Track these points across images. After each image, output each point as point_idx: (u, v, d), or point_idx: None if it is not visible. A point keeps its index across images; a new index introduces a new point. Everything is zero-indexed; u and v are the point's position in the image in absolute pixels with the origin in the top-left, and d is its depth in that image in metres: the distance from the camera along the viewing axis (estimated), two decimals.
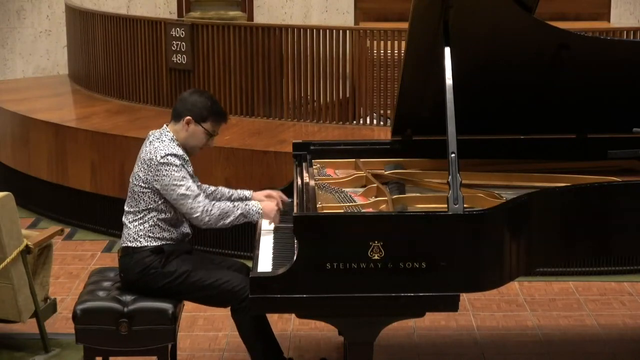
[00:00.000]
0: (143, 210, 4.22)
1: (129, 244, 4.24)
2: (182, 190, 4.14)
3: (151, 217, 4.21)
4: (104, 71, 8.01)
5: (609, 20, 9.49)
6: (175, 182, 4.14)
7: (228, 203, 4.26)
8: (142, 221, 4.22)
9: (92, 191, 6.90)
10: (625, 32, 6.86)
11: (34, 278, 4.89)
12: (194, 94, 4.30)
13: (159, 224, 4.22)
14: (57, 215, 7.19)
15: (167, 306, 4.18)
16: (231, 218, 4.21)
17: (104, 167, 6.81)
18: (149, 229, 4.21)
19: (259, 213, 4.26)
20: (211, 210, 4.18)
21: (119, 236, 6.67)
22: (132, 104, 7.75)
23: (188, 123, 4.23)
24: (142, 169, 4.20)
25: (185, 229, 4.32)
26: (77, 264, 6.29)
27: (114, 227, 6.81)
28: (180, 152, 4.19)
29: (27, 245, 4.76)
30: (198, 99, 4.27)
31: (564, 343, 5.11)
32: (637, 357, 4.99)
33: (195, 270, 4.20)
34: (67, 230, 6.84)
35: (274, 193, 4.45)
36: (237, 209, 4.22)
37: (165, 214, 4.22)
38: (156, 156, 4.16)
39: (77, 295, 4.51)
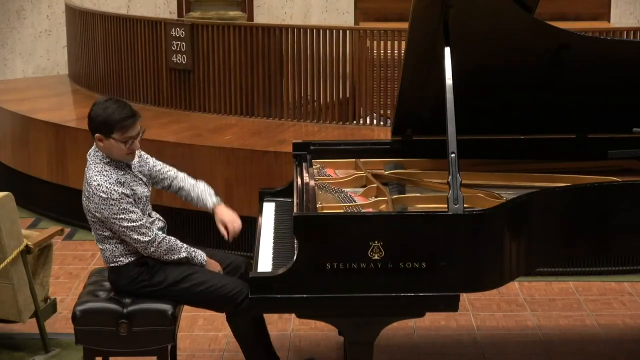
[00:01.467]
0: (107, 236, 4.16)
1: (112, 265, 4.21)
2: (124, 223, 4.05)
3: (121, 241, 4.16)
4: (104, 71, 8.01)
5: (609, 20, 9.48)
6: (115, 216, 4.04)
7: (177, 242, 4.17)
8: (113, 242, 4.16)
9: None
10: (625, 32, 6.86)
11: (34, 278, 4.89)
12: (93, 107, 4.11)
13: (122, 244, 4.17)
14: (57, 215, 7.19)
15: (166, 307, 4.17)
16: (174, 257, 4.15)
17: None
18: (123, 248, 4.17)
19: (202, 264, 4.22)
20: (159, 243, 4.11)
21: None
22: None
23: (100, 140, 4.08)
24: (84, 200, 4.16)
25: (158, 224, 4.27)
26: (77, 264, 6.29)
27: None
28: (112, 177, 4.05)
29: (27, 245, 4.76)
30: (97, 111, 4.08)
31: (564, 343, 5.11)
32: (637, 357, 4.99)
33: (188, 276, 4.16)
34: (67, 230, 6.84)
35: (228, 218, 4.32)
36: (182, 252, 4.17)
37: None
38: (91, 188, 4.08)
39: (77, 295, 4.51)
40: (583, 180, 4.15)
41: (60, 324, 5.26)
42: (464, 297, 5.42)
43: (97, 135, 4.08)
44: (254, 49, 7.12)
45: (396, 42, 6.83)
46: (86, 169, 4.16)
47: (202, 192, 4.39)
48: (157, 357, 4.22)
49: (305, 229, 3.63)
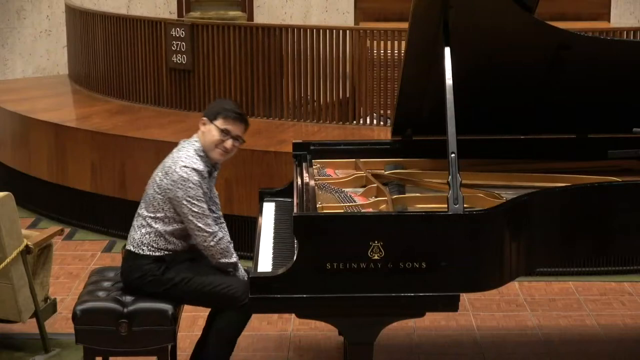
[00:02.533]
0: (152, 217, 4.20)
1: (132, 249, 4.24)
2: (194, 209, 4.12)
3: (158, 227, 4.19)
4: (104, 71, 8.01)
5: (609, 20, 9.48)
6: (188, 199, 4.11)
7: (231, 246, 4.23)
8: (149, 229, 4.20)
9: (92, 191, 6.90)
10: (625, 32, 6.86)
11: (34, 278, 4.89)
12: (216, 100, 4.36)
13: (165, 236, 4.20)
14: (57, 215, 7.19)
15: (167, 307, 4.17)
16: (226, 260, 4.19)
17: (104, 167, 6.81)
18: (153, 239, 4.20)
19: (243, 277, 4.23)
20: (220, 239, 4.16)
21: (119, 236, 6.75)
22: (132, 104, 7.75)
23: (203, 124, 4.24)
24: (161, 174, 4.20)
25: (192, 241, 4.28)
26: (77, 264, 6.29)
27: (114, 227, 6.82)
28: (201, 166, 4.16)
29: (27, 245, 4.76)
30: (217, 102, 4.40)
31: (564, 343, 5.11)
32: (637, 357, 4.99)
33: (196, 277, 4.18)
34: (67, 230, 6.84)
35: None
36: (234, 257, 4.22)
37: (172, 225, 4.19)
38: (176, 166, 4.14)
39: (77, 295, 4.51)
40: (583, 180, 4.15)
41: (60, 324, 5.26)
42: (464, 297, 5.42)
43: (202, 118, 4.25)
44: (254, 49, 7.12)
45: (396, 42, 6.83)
46: (174, 151, 4.25)
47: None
48: (157, 357, 4.22)
49: (305, 229, 3.63)
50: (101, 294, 4.31)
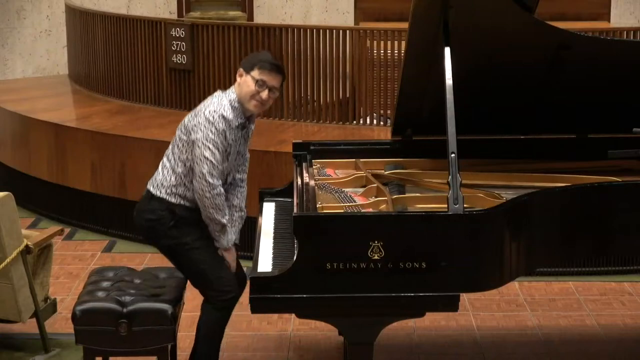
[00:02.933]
0: (175, 158, 4.21)
1: (152, 189, 4.26)
2: (206, 153, 4.11)
3: (180, 172, 4.19)
4: (104, 71, 8.01)
5: (609, 20, 9.48)
6: (204, 142, 4.11)
7: (227, 209, 4.21)
8: (171, 172, 4.21)
9: (92, 191, 6.90)
10: (625, 32, 6.86)
11: (34, 278, 4.89)
12: (253, 52, 4.38)
13: (185, 182, 4.20)
14: (57, 215, 7.20)
15: (166, 307, 4.18)
16: (216, 217, 4.15)
17: (104, 167, 6.81)
18: (174, 184, 4.21)
19: (224, 246, 4.23)
20: (217, 195, 4.13)
21: (119, 236, 6.76)
22: (132, 104, 7.75)
23: (240, 75, 4.22)
24: (190, 116, 4.25)
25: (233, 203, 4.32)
26: (77, 264, 6.29)
27: (114, 227, 6.82)
28: (230, 115, 4.14)
29: (27, 245, 4.76)
30: (254, 54, 4.37)
31: (564, 343, 5.11)
32: (637, 357, 4.99)
33: (199, 250, 4.20)
34: (67, 230, 6.84)
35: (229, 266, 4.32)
36: (225, 219, 4.18)
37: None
38: (206, 109, 4.17)
39: (77, 295, 4.51)
40: (583, 180, 4.15)
41: (60, 324, 5.26)
42: (464, 297, 5.42)
43: (239, 69, 4.23)
44: (254, 49, 7.12)
45: (396, 42, 6.83)
46: (209, 97, 4.30)
47: (234, 222, 4.35)
48: (157, 357, 4.22)
49: (305, 229, 3.63)
50: (101, 294, 4.31)
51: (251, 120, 4.31)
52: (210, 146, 4.10)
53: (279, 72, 4.22)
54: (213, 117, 4.12)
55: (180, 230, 4.22)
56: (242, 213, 4.39)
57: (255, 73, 4.17)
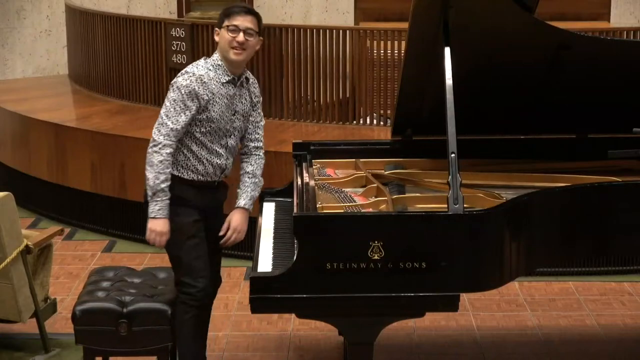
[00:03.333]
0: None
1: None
2: (163, 110, 4.09)
3: (179, 147, 4.14)
4: (104, 71, 8.01)
5: (609, 20, 9.49)
6: (166, 99, 4.10)
7: (162, 173, 4.04)
8: (176, 152, 4.15)
9: (92, 191, 6.90)
10: (625, 32, 6.86)
11: (34, 278, 4.89)
12: None
13: (185, 151, 4.15)
14: (57, 215, 7.20)
15: (166, 307, 4.18)
16: (147, 174, 4.05)
17: (104, 167, 6.81)
18: (179, 160, 4.16)
19: (151, 216, 4.08)
20: (157, 152, 4.05)
21: (119, 236, 6.76)
22: (132, 104, 7.75)
23: (216, 34, 4.19)
24: None
25: (219, 159, 4.21)
26: (77, 264, 6.29)
27: (114, 227, 6.82)
28: (203, 71, 4.10)
29: (27, 245, 4.76)
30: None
31: (564, 343, 5.11)
32: (637, 357, 4.99)
33: (184, 240, 4.12)
34: (67, 230, 6.84)
35: (234, 225, 4.24)
36: (154, 182, 4.03)
37: (190, 145, 4.14)
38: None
39: (77, 295, 4.51)
40: (583, 180, 4.15)
41: (60, 324, 5.26)
42: (464, 297, 5.42)
43: (215, 29, 4.22)
44: None
45: (396, 42, 6.83)
46: None
47: (244, 188, 4.33)
48: (157, 357, 4.23)
49: (305, 229, 3.63)
50: (101, 294, 4.31)
51: (248, 81, 4.25)
52: (167, 103, 4.08)
53: (248, 13, 4.15)
54: (181, 76, 4.10)
55: (174, 210, 4.12)
56: (256, 179, 4.33)
57: (226, 22, 4.13)
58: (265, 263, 3.92)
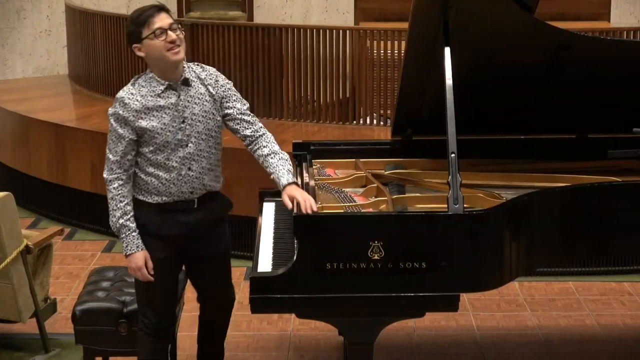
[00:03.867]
0: None
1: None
2: (106, 150, 3.89)
3: (137, 172, 3.96)
4: (104, 71, 8.00)
5: (609, 20, 9.49)
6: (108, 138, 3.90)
7: (122, 206, 3.88)
8: (136, 178, 3.97)
9: (92, 191, 6.90)
10: (625, 32, 6.86)
11: (34, 278, 4.89)
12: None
13: (142, 175, 3.93)
14: (57, 215, 7.19)
15: None
16: (109, 211, 3.92)
17: (103, 167, 6.80)
18: (140, 185, 3.97)
19: (124, 254, 3.92)
20: (107, 188, 3.90)
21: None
22: None
23: (139, 50, 3.85)
24: None
25: (179, 175, 3.89)
26: (77, 264, 6.29)
27: None
28: (122, 92, 3.83)
29: (27, 245, 4.76)
30: (128, 24, 3.89)
31: (564, 343, 5.11)
32: (637, 357, 4.99)
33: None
34: (67, 230, 6.84)
35: (300, 195, 3.75)
36: (116, 219, 3.90)
37: (145, 168, 3.91)
38: None
39: (77, 295, 4.51)
40: (583, 180, 4.15)
41: (60, 324, 5.26)
42: (464, 297, 5.42)
43: (134, 46, 3.86)
44: (254, 49, 7.12)
45: (396, 42, 6.83)
46: None
47: (275, 169, 3.96)
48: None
49: (305, 229, 3.63)
50: (101, 294, 4.31)
51: (188, 82, 3.90)
52: (108, 141, 3.91)
53: (160, 11, 3.83)
54: (109, 112, 3.90)
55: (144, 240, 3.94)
56: (279, 155, 3.97)
57: (147, 31, 3.79)
58: (265, 263, 3.92)
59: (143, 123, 3.85)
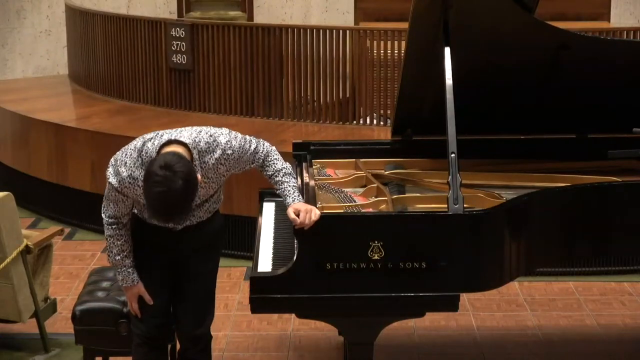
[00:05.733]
0: None
1: None
2: (104, 199, 3.84)
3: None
4: (104, 71, 8.01)
5: (609, 20, 9.49)
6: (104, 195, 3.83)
7: (117, 247, 3.85)
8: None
9: (92, 191, 6.89)
10: (625, 32, 6.86)
11: (34, 278, 4.89)
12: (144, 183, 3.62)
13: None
14: (57, 215, 7.19)
15: None
16: (108, 253, 3.92)
17: (104, 167, 6.74)
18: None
19: (121, 284, 3.91)
20: (108, 231, 3.84)
21: None
22: (132, 104, 7.75)
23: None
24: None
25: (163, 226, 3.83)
26: (77, 264, 6.29)
27: None
28: (124, 173, 3.74)
29: (27, 245, 4.76)
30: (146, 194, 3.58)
31: (564, 343, 5.11)
32: (636, 357, 4.99)
33: (140, 270, 3.89)
34: (67, 230, 6.84)
35: (304, 208, 3.67)
36: (112, 256, 3.88)
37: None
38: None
39: (77, 295, 4.51)
40: (583, 180, 4.15)
41: (60, 324, 5.25)
42: (464, 297, 5.42)
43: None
44: (254, 49, 7.12)
45: (396, 42, 6.83)
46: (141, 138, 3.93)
47: (282, 188, 3.83)
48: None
49: (305, 228, 3.62)
50: (101, 294, 4.31)
51: None
52: (106, 191, 3.83)
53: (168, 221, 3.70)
54: (109, 164, 3.84)
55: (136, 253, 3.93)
56: (284, 171, 3.85)
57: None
58: (265, 263, 3.92)
59: (140, 200, 3.74)
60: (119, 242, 3.88)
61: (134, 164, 3.77)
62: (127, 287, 3.90)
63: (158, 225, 3.85)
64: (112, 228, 3.86)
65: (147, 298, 3.89)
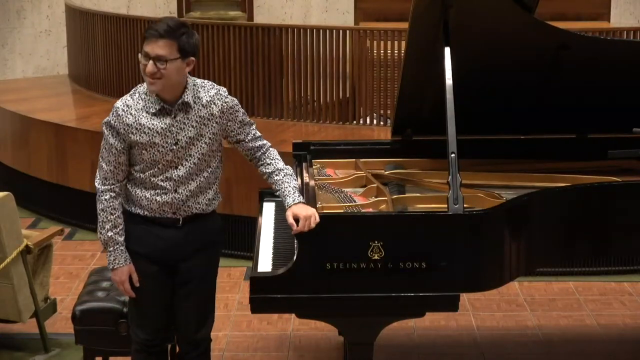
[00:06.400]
0: None
1: None
2: (99, 158, 3.75)
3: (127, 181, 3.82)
4: (104, 71, 8.01)
5: (609, 20, 9.49)
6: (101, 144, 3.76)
7: (112, 219, 3.73)
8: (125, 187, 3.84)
9: (92, 191, 6.84)
10: (625, 32, 6.86)
11: (34, 278, 4.90)
12: None
13: (129, 186, 3.80)
14: (57, 215, 7.20)
15: None
16: (99, 230, 3.78)
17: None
18: (128, 194, 3.83)
19: (108, 267, 3.81)
20: (99, 197, 3.74)
21: None
22: None
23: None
24: None
25: (163, 196, 3.73)
26: (77, 264, 6.29)
27: None
28: (120, 103, 3.70)
29: (27, 245, 4.76)
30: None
31: (564, 343, 5.11)
32: (636, 357, 4.99)
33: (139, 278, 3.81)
34: (67, 230, 6.84)
35: (304, 213, 3.63)
36: (102, 232, 3.75)
37: (133, 180, 3.78)
38: None
39: (77, 295, 4.51)
40: (583, 180, 4.15)
41: (60, 324, 5.26)
42: (464, 297, 5.42)
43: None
44: (254, 49, 7.12)
45: (396, 42, 6.83)
46: None
47: (281, 187, 3.82)
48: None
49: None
50: (100, 294, 4.31)
51: (189, 106, 3.71)
52: (102, 147, 3.75)
53: (161, 37, 3.59)
54: (110, 115, 3.75)
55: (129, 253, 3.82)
56: (284, 171, 3.85)
57: (143, 47, 3.65)
58: (265, 263, 3.92)
59: (133, 137, 3.69)
60: (112, 217, 3.75)
61: (129, 96, 3.79)
62: (116, 268, 3.77)
63: (160, 222, 3.78)
64: (105, 199, 3.74)
65: (135, 279, 3.78)
